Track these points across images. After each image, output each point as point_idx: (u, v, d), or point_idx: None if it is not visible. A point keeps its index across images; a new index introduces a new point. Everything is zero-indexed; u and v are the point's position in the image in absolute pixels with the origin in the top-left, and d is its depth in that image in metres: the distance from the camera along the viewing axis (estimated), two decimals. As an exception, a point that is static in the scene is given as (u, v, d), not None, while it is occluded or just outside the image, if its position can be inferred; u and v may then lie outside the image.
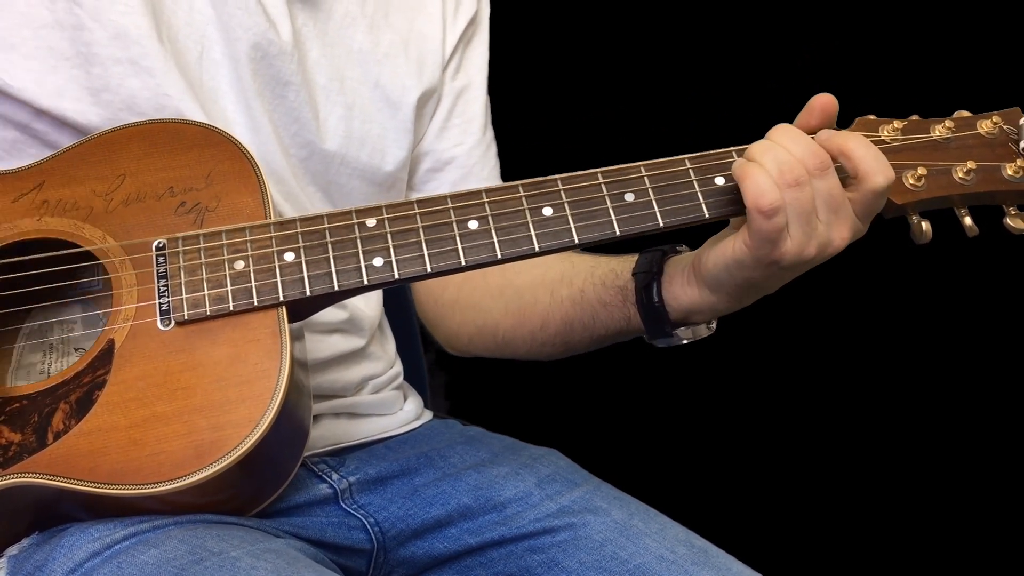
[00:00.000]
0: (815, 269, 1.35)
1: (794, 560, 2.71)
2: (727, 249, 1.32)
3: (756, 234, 1.27)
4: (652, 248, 1.46)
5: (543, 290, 1.59)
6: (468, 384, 3.09)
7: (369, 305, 1.65)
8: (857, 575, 2.96)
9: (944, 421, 2.91)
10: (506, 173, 1.78)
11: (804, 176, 1.26)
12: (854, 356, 2.97)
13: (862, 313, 2.94)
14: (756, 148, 1.30)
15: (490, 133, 1.78)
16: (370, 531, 1.51)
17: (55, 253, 1.30)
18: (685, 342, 1.45)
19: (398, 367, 1.73)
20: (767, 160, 1.27)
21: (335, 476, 1.53)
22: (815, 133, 1.34)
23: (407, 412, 1.70)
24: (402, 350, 1.78)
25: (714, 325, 1.45)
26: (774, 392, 3.01)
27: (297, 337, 1.33)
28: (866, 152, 1.29)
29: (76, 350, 1.35)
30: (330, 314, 1.55)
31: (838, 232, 1.30)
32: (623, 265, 1.49)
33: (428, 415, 1.75)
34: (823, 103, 1.35)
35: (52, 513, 1.28)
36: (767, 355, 3.01)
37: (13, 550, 1.30)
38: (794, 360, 3.00)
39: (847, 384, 2.98)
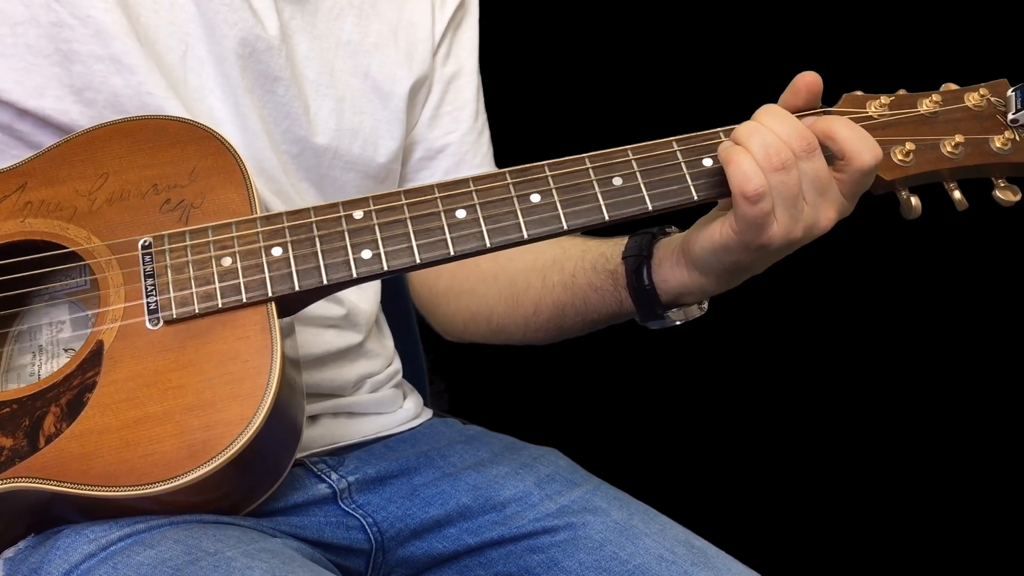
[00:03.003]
0: (808, 253, 1.34)
1: (794, 560, 2.70)
2: (714, 233, 1.31)
3: (742, 219, 1.27)
4: (641, 231, 1.46)
5: (535, 276, 1.58)
6: (468, 384, 3.09)
7: (366, 301, 1.65)
8: (857, 575, 2.95)
9: (942, 413, 2.91)
10: (498, 162, 1.78)
11: (791, 159, 1.26)
12: (851, 347, 2.96)
13: (855, 296, 2.93)
14: (742, 130, 1.29)
15: (483, 118, 1.78)
16: (369, 531, 1.50)
17: (41, 255, 1.29)
18: (678, 323, 1.45)
19: (396, 364, 1.73)
20: (753, 143, 1.26)
21: (334, 476, 1.52)
22: (801, 112, 1.34)
23: (406, 411, 1.70)
24: (401, 348, 1.77)
25: (706, 305, 1.45)
26: (774, 392, 3.00)
27: (287, 333, 1.33)
28: (851, 132, 1.29)
29: (66, 351, 1.35)
30: (326, 310, 1.55)
31: (824, 213, 1.30)
32: (613, 249, 1.49)
33: (428, 413, 1.75)
34: (807, 81, 1.34)
35: (47, 516, 1.28)
36: (766, 354, 3.01)
37: (9, 552, 1.30)
38: (793, 358, 2.99)
39: (846, 382, 2.97)
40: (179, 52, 1.46)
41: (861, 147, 1.28)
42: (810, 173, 1.27)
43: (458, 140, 1.74)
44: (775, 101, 1.35)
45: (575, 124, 2.91)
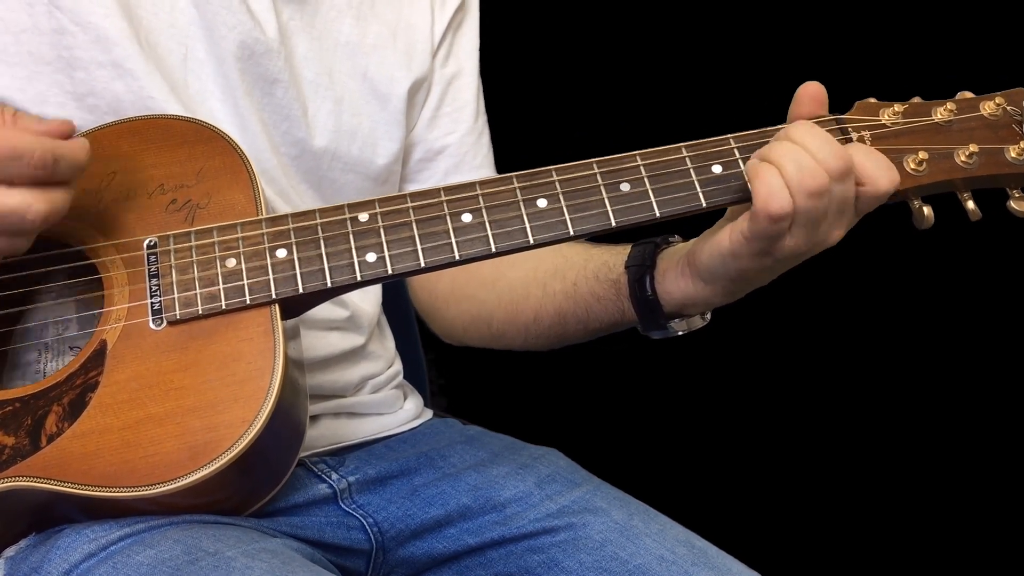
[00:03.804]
0: (814, 261, 1.34)
1: (794, 560, 2.70)
2: (723, 240, 1.31)
3: (758, 233, 1.26)
4: (644, 240, 1.45)
5: (535, 284, 1.58)
6: (468, 384, 3.09)
7: (368, 302, 1.65)
8: (857, 575, 2.95)
9: (945, 416, 2.91)
10: (500, 165, 1.77)
11: (826, 184, 1.24)
12: (855, 351, 2.97)
13: (864, 304, 2.94)
14: (777, 150, 1.27)
15: (482, 120, 1.77)
16: (369, 531, 1.50)
17: (47, 253, 1.29)
18: (680, 334, 1.44)
19: (397, 365, 1.73)
20: (787, 163, 1.24)
21: (334, 476, 1.52)
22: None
23: (407, 411, 1.69)
24: (401, 348, 1.77)
25: (708, 316, 1.44)
26: (774, 391, 3.00)
27: (292, 336, 1.32)
28: (866, 159, 1.28)
29: (71, 349, 1.34)
30: (329, 312, 1.54)
31: (837, 231, 1.30)
32: (616, 258, 1.48)
33: (428, 414, 1.74)
34: (811, 92, 1.34)
35: (49, 515, 1.28)
36: (767, 354, 3.01)
37: (10, 551, 1.30)
38: (794, 359, 2.99)
39: (847, 382, 2.98)
40: (179, 55, 1.46)
41: (878, 173, 1.27)
42: (839, 196, 1.26)
43: (457, 141, 1.73)
44: (786, 107, 1.35)
45: (576, 126, 2.91)
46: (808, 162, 1.24)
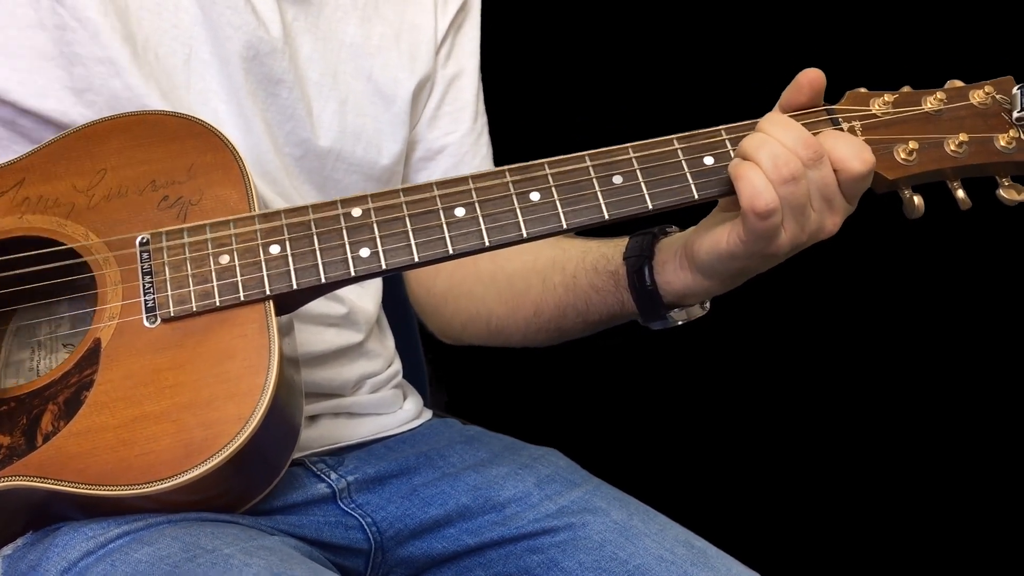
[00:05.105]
0: (810, 252, 1.34)
1: (794, 560, 2.69)
2: (720, 241, 1.31)
3: (752, 232, 1.26)
4: (641, 231, 1.45)
5: (535, 277, 1.58)
6: (468, 384, 3.08)
7: (367, 300, 1.65)
8: (857, 575, 2.94)
9: (942, 413, 2.90)
10: (499, 165, 1.76)
11: (800, 170, 1.25)
12: (853, 348, 2.96)
13: (859, 297, 2.92)
14: (750, 143, 1.28)
15: (482, 120, 1.77)
16: (368, 531, 1.49)
17: (39, 252, 1.29)
18: (680, 323, 1.44)
19: (397, 365, 1.73)
20: (761, 155, 1.25)
21: (333, 475, 1.52)
22: (804, 109, 1.34)
23: (406, 411, 1.69)
24: (401, 348, 1.77)
25: (708, 305, 1.44)
26: (774, 392, 3.00)
27: (286, 332, 1.32)
28: (836, 142, 1.28)
29: (65, 346, 1.35)
30: (325, 308, 1.54)
31: (831, 219, 1.30)
32: (613, 250, 1.48)
33: (428, 414, 1.74)
34: (811, 78, 1.33)
35: (46, 514, 1.28)
36: (766, 353, 3.00)
37: (8, 549, 1.30)
38: (792, 357, 2.99)
39: (846, 381, 2.97)
40: (183, 55, 1.47)
41: (850, 155, 1.27)
42: (817, 181, 1.27)
43: (457, 141, 1.73)
44: (777, 97, 1.35)
45: (576, 128, 2.91)
46: (780, 150, 1.25)
